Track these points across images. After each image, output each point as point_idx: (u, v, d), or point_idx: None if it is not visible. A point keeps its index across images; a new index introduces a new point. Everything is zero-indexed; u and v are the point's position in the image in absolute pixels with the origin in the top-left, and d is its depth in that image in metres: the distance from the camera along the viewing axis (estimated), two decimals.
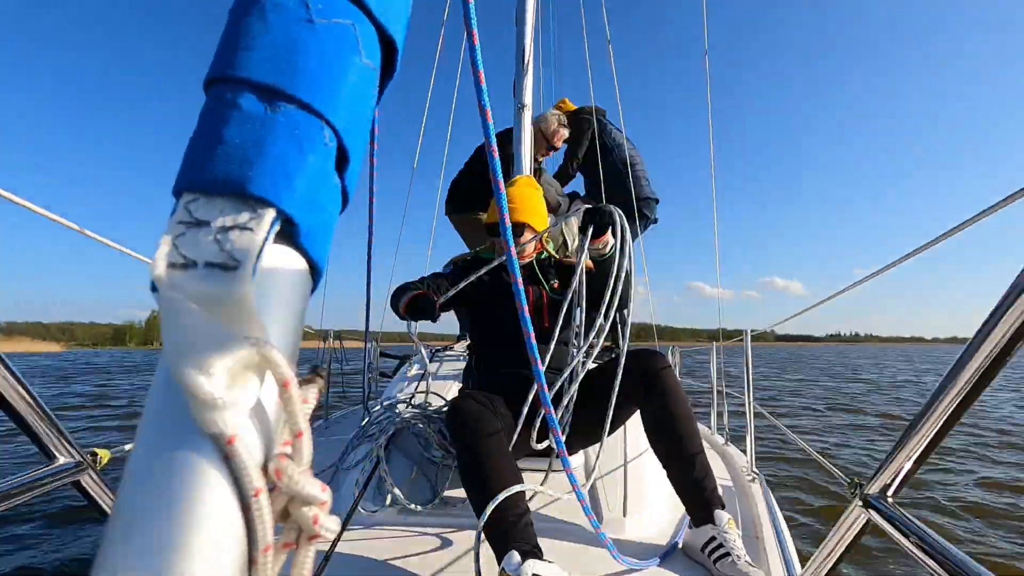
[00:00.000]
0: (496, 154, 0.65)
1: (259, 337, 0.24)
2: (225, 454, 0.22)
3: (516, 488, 1.19)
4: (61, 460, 1.01)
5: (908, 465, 0.77)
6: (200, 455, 0.22)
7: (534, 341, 0.87)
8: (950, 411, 0.68)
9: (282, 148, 0.25)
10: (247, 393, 0.24)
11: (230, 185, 0.24)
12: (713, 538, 1.22)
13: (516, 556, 1.09)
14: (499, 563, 1.12)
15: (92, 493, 1.06)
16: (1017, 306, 0.58)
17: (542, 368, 0.88)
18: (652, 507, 1.49)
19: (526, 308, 0.84)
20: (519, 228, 1.70)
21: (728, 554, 1.17)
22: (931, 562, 0.65)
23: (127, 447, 1.39)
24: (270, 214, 0.24)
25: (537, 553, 1.13)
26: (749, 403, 2.21)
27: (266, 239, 0.24)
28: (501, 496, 1.16)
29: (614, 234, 1.46)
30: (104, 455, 1.17)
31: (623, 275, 1.41)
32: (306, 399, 0.27)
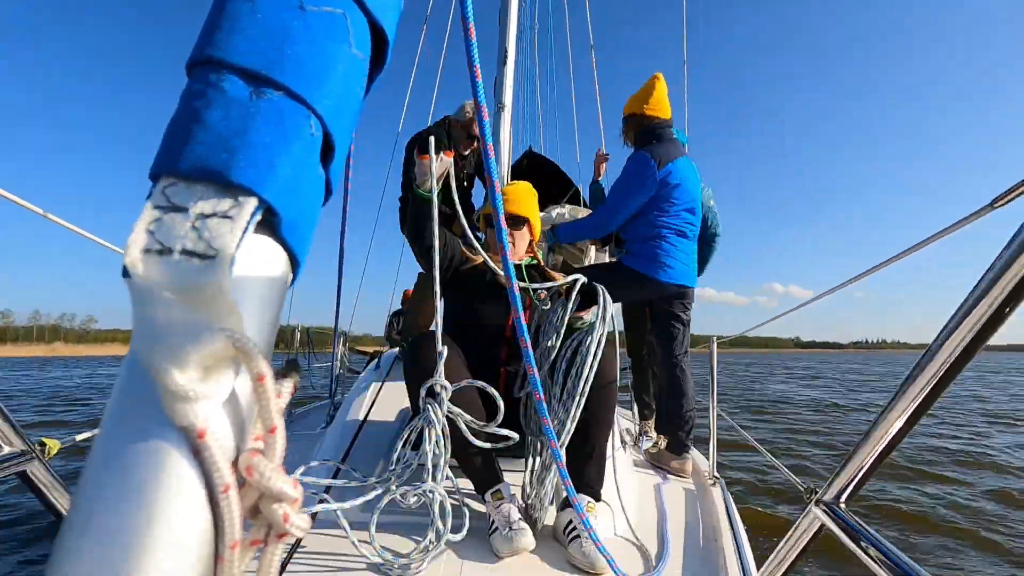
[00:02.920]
0: (492, 152, 0.65)
1: (235, 329, 0.23)
2: (195, 447, 0.22)
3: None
4: (6, 449, 0.96)
5: (861, 473, 0.80)
6: (169, 447, 0.21)
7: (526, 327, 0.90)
8: (902, 421, 0.71)
9: (266, 136, 0.24)
10: (220, 386, 0.23)
11: (211, 171, 0.23)
12: (571, 521, 1.32)
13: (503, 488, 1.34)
14: (481, 490, 1.36)
15: (39, 484, 1.02)
16: (966, 323, 0.61)
17: (532, 353, 0.92)
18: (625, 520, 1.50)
19: (522, 313, 0.91)
20: (520, 221, 1.76)
21: (579, 536, 1.27)
22: (880, 569, 0.68)
23: (78, 437, 1.34)
24: (251, 203, 0.24)
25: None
26: (712, 409, 2.24)
27: (246, 229, 0.23)
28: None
29: (597, 308, 1.46)
30: (53, 445, 1.12)
31: (598, 349, 1.40)
32: (280, 394, 0.26)
